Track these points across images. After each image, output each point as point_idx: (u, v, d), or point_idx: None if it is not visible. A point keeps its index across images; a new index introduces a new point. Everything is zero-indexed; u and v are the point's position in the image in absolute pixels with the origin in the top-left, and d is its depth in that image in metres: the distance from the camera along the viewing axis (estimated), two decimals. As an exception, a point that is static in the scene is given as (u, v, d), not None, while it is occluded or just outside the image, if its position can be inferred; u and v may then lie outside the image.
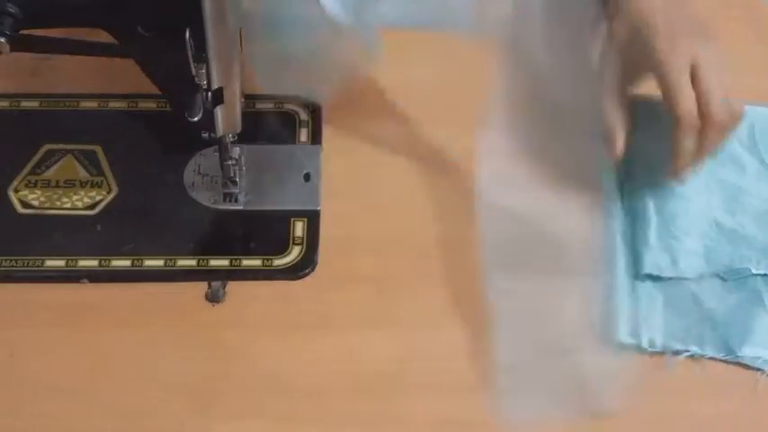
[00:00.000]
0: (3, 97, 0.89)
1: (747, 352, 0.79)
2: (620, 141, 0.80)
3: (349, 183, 0.86)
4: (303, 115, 0.90)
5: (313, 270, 0.82)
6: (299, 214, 0.85)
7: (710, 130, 0.77)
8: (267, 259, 0.82)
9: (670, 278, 0.82)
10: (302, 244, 0.83)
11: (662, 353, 0.80)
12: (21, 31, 0.70)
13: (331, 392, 0.77)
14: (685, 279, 0.82)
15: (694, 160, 0.79)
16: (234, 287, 0.81)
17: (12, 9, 0.69)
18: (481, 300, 0.79)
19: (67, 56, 0.80)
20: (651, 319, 0.80)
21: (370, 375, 0.78)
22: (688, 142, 0.78)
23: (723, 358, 0.80)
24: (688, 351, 0.79)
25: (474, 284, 0.80)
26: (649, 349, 0.79)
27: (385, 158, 0.88)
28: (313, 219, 0.84)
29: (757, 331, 0.80)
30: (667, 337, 0.80)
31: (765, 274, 0.83)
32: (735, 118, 0.77)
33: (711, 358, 0.80)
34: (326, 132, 0.89)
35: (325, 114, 0.90)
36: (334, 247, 0.84)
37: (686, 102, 0.76)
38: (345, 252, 0.84)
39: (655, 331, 0.80)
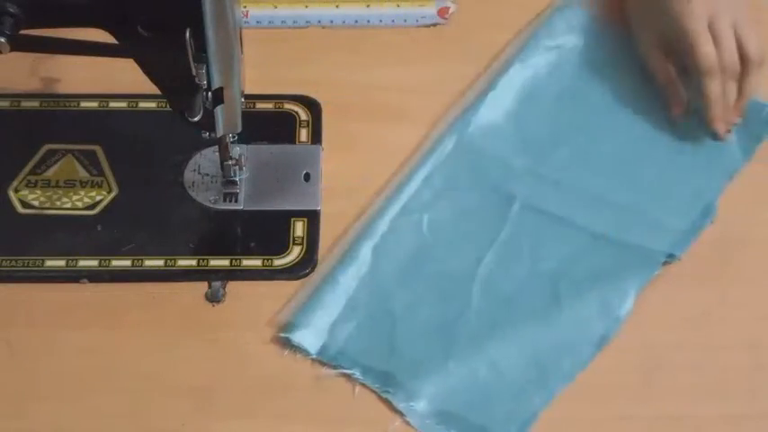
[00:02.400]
0: (3, 97, 0.89)
1: None
2: (680, 91, 0.84)
3: (349, 183, 0.86)
4: (303, 115, 0.90)
5: (313, 270, 0.82)
6: (298, 214, 0.84)
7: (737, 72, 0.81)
8: (267, 259, 0.82)
9: None
10: (302, 244, 0.83)
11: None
12: (21, 31, 0.70)
13: (330, 392, 0.77)
14: None
15: (729, 108, 0.81)
16: (234, 287, 0.81)
17: (12, 9, 0.69)
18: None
19: (67, 56, 0.79)
20: None
21: (370, 375, 0.78)
22: (715, 86, 0.80)
23: None
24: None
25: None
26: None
27: (385, 158, 0.88)
28: (313, 219, 0.84)
29: None
30: None
31: None
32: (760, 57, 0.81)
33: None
34: (326, 132, 0.89)
35: (325, 114, 0.90)
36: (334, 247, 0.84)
37: (706, 45, 0.80)
38: (345, 252, 0.83)
39: None
